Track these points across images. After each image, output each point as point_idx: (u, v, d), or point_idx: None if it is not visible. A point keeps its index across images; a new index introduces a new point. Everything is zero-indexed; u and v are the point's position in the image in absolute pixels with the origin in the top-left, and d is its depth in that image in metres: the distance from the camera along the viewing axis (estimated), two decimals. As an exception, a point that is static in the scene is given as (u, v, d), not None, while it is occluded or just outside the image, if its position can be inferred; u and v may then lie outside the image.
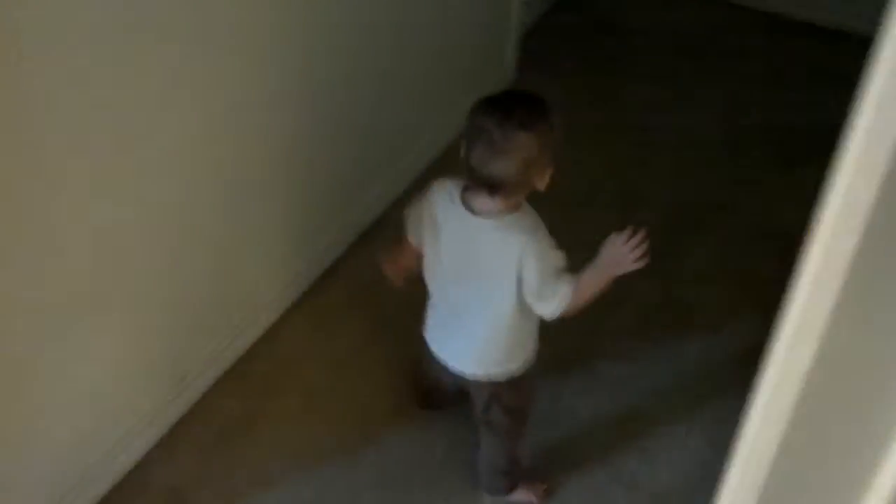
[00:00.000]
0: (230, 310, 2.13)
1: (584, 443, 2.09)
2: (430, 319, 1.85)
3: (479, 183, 1.57)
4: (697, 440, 2.10)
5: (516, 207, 1.62)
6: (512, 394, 1.81)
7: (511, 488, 1.98)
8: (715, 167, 2.93)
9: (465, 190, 1.63)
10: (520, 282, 1.62)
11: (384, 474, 2.01)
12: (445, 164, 2.82)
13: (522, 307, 1.67)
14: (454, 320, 1.77)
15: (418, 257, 1.78)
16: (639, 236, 1.58)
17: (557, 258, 1.63)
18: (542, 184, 1.60)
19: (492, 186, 1.56)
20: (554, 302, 1.63)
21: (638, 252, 1.59)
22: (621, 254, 1.60)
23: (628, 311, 2.38)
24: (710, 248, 2.61)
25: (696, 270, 2.52)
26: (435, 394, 2.06)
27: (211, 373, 2.12)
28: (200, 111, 1.78)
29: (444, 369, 1.84)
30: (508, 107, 1.55)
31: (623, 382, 2.22)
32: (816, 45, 3.54)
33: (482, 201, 1.61)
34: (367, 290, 2.40)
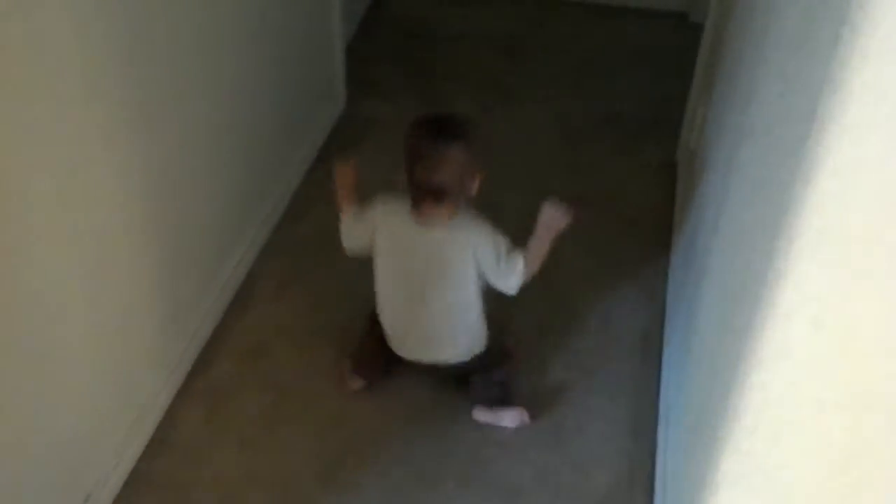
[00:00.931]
0: (117, 412, 1.94)
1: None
2: (395, 337, 2.07)
3: (425, 195, 1.85)
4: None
5: (456, 212, 1.90)
6: (495, 349, 2.09)
7: (503, 401, 2.10)
8: (560, 163, 2.98)
9: (412, 207, 1.90)
10: (478, 269, 1.91)
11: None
12: (300, 205, 2.72)
13: (479, 292, 1.97)
14: (424, 325, 2.01)
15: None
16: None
17: (503, 240, 1.93)
18: (473, 188, 1.89)
19: (437, 194, 1.84)
20: (513, 275, 1.93)
21: (566, 211, 1.93)
22: (554, 216, 1.93)
23: (524, 321, 2.37)
24: (577, 244, 2.65)
25: (572, 269, 2.55)
26: (377, 363, 2.15)
27: (113, 485, 1.93)
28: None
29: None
30: (436, 125, 1.88)
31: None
32: (628, 27, 3.69)
33: (430, 211, 1.88)
34: (254, 357, 2.27)
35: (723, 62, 2.30)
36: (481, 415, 2.12)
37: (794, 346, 0.98)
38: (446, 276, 1.94)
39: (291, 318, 2.38)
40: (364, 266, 2.57)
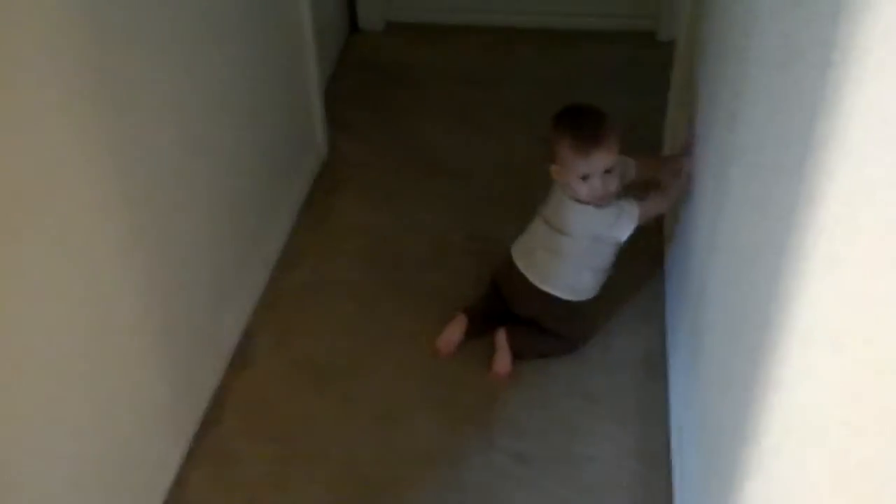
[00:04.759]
0: (125, 479, 1.92)
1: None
2: (520, 245, 2.40)
3: None
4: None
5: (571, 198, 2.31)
6: (559, 313, 2.34)
7: (522, 354, 2.34)
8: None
9: None
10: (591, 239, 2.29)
11: None
12: (292, 255, 2.72)
13: (583, 259, 2.32)
14: (541, 243, 2.33)
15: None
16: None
17: (616, 212, 2.25)
18: (558, 174, 2.30)
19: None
20: (625, 222, 2.23)
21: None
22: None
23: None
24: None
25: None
26: (485, 319, 2.41)
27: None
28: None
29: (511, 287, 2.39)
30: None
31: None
32: (589, 49, 3.71)
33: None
34: (258, 412, 2.26)
35: (701, 79, 2.32)
36: (502, 338, 2.33)
37: (812, 367, 0.99)
38: (563, 232, 2.29)
39: (292, 369, 2.37)
40: (362, 308, 2.57)
